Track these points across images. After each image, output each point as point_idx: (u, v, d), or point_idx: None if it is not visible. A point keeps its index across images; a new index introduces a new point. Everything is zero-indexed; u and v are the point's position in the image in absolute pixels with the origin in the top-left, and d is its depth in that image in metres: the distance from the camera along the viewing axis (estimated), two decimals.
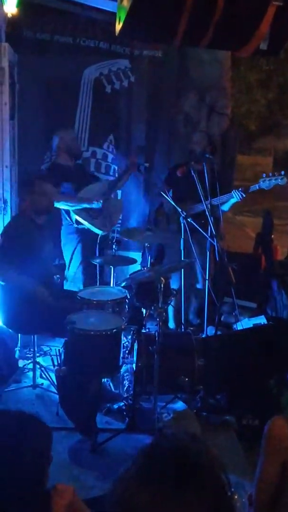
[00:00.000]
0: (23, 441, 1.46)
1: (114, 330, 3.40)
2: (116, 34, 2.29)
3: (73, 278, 4.86)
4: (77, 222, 4.73)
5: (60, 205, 4.58)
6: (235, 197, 4.35)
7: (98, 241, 4.55)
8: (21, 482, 1.41)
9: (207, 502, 0.98)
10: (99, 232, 4.63)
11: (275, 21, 2.14)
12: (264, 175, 4.27)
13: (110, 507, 1.03)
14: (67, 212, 4.75)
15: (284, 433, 1.93)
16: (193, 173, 4.06)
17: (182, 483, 0.98)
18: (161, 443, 1.10)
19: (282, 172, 4.21)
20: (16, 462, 1.41)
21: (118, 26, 2.27)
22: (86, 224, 4.67)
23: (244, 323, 4.52)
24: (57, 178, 4.45)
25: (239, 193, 4.32)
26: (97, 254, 4.51)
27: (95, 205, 4.62)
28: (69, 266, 4.89)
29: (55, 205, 4.20)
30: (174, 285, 4.35)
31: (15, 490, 1.40)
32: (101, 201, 4.62)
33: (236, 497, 1.76)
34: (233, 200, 4.40)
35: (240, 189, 4.38)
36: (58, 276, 4.39)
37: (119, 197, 5.46)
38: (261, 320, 4.67)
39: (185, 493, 0.97)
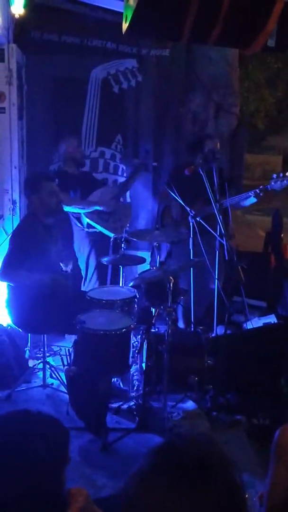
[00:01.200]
0: (42, 443, 1.42)
1: (124, 330, 3.40)
2: (123, 33, 2.29)
3: (89, 282, 4.89)
4: (89, 225, 4.75)
5: (71, 209, 4.59)
6: (254, 198, 4.34)
7: (111, 243, 4.56)
8: (39, 485, 1.38)
9: (221, 503, 0.97)
10: (110, 235, 4.64)
11: (282, 17, 2.13)
12: (274, 175, 4.24)
13: (123, 506, 1.02)
14: (78, 218, 4.77)
15: None
16: (201, 172, 4.04)
17: (196, 483, 0.98)
18: (175, 443, 1.09)
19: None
20: (35, 464, 1.39)
21: (125, 25, 2.27)
22: (98, 227, 4.70)
23: (254, 322, 4.50)
24: (64, 186, 4.46)
25: (254, 193, 4.31)
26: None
27: (106, 208, 4.65)
28: (86, 271, 4.91)
29: (65, 209, 4.22)
30: (183, 284, 4.35)
31: (33, 493, 1.37)
32: (112, 204, 4.65)
33: (246, 496, 1.75)
34: (252, 200, 4.40)
35: (257, 190, 4.36)
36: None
37: (127, 200, 5.47)
38: (272, 319, 4.64)
39: (199, 493, 0.97)
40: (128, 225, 5.21)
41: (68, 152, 4.86)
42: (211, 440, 1.10)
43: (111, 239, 4.58)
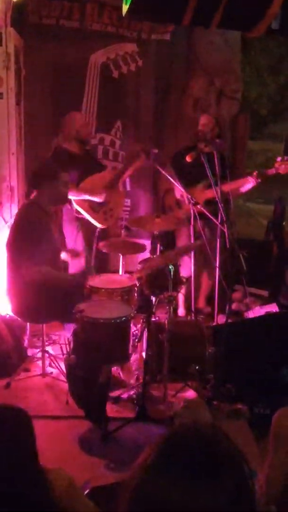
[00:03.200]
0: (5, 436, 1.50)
1: (123, 319, 3.37)
2: (123, 15, 2.23)
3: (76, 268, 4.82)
4: (77, 211, 4.66)
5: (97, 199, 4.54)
6: (251, 182, 4.30)
7: (96, 233, 4.51)
8: (14, 475, 1.44)
9: (229, 492, 0.95)
10: (98, 225, 4.58)
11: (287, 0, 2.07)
12: (279, 158, 4.20)
13: (128, 495, 1.00)
14: (69, 200, 4.68)
15: None
16: (202, 158, 3.99)
17: (203, 472, 0.96)
18: (181, 432, 1.07)
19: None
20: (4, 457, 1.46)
21: (125, 7, 2.21)
22: (86, 216, 4.60)
23: (256, 311, 4.47)
24: (62, 164, 4.20)
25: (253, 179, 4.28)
26: (94, 246, 4.47)
27: (97, 199, 4.55)
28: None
29: None
30: (184, 272, 4.30)
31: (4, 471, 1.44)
32: (104, 195, 4.55)
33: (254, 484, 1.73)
34: (248, 186, 4.35)
35: (254, 174, 4.31)
36: None
37: (128, 187, 5.39)
38: (273, 308, 4.62)
39: (206, 482, 0.95)
40: (128, 208, 5.17)
41: (73, 128, 4.67)
42: (217, 429, 1.07)
43: (97, 229, 4.52)
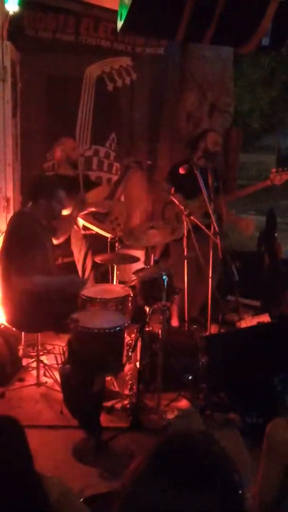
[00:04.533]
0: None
1: (118, 328, 3.40)
2: (118, 31, 2.29)
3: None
4: (84, 227, 4.72)
5: (66, 212, 4.57)
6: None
7: (108, 244, 4.55)
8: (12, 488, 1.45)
9: (219, 500, 0.97)
10: (107, 235, 4.62)
11: (277, 16, 2.14)
12: (274, 170, 4.27)
13: (119, 503, 1.02)
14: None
15: (285, 436, 1.91)
16: (195, 171, 4.05)
17: (194, 480, 0.97)
18: (173, 440, 1.09)
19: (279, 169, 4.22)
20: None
21: (120, 23, 2.27)
22: (94, 228, 4.67)
23: (248, 321, 4.50)
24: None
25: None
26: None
27: (101, 209, 4.62)
28: (83, 272, 4.89)
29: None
30: (178, 283, 4.33)
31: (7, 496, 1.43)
32: (108, 205, 4.62)
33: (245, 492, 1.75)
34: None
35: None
36: None
37: (122, 199, 5.45)
38: (265, 318, 4.65)
39: (198, 492, 0.96)
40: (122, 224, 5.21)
41: (63, 153, 4.82)
42: (209, 438, 1.09)
43: (108, 239, 4.57)
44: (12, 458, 1.49)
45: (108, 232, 4.64)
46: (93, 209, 4.65)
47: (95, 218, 4.67)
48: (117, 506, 1.02)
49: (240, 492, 1.02)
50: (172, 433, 1.16)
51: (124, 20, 2.11)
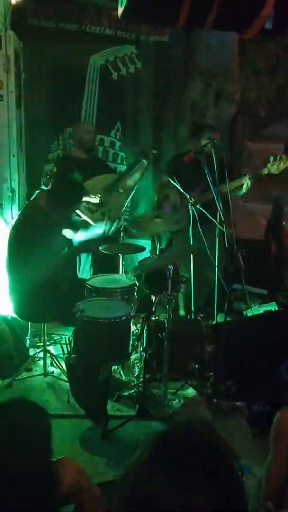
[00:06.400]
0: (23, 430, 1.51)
1: (123, 318, 3.40)
2: (119, 17, 2.27)
3: (82, 269, 4.86)
4: (77, 214, 4.68)
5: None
6: (244, 187, 4.31)
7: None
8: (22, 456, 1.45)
9: (219, 491, 0.97)
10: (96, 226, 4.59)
11: (279, 0, 2.11)
12: (271, 158, 4.22)
13: (121, 492, 1.02)
14: None
15: None
16: (200, 159, 4.02)
17: (194, 471, 0.98)
18: (174, 430, 1.09)
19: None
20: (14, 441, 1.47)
21: (121, 9, 2.25)
22: (83, 217, 4.62)
23: (255, 310, 4.49)
24: (68, 169, 4.38)
25: (247, 179, 4.29)
26: (99, 248, 4.49)
27: (93, 199, 4.57)
28: (79, 258, 4.89)
29: None
30: (184, 272, 4.33)
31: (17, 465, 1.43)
32: (99, 196, 4.55)
33: (244, 479, 1.76)
34: (241, 191, 4.38)
35: (248, 175, 4.33)
36: None
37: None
38: (272, 306, 4.64)
39: (198, 481, 0.97)
40: (128, 208, 5.17)
41: (75, 135, 4.82)
42: (209, 428, 1.09)
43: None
44: (35, 441, 1.50)
45: (95, 223, 4.60)
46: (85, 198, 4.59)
47: (87, 207, 4.61)
48: (121, 495, 1.02)
49: (241, 481, 1.03)
50: (173, 424, 1.16)
51: (125, 6, 2.09)
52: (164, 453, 1.02)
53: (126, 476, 1.02)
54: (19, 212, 4.14)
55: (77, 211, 4.58)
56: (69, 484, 1.56)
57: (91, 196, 4.52)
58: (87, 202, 4.56)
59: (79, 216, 4.61)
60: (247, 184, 4.30)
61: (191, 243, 4.32)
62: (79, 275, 4.81)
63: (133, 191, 4.76)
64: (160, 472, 0.98)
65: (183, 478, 0.96)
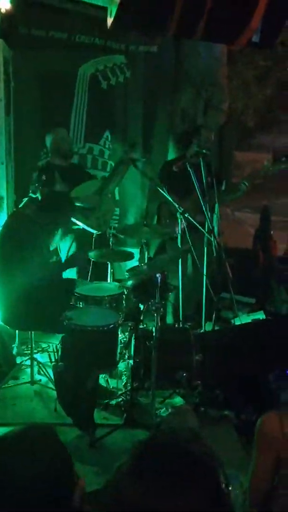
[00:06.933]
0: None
1: (111, 326, 3.41)
2: (109, 27, 2.29)
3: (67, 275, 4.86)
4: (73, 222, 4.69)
5: None
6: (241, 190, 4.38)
7: (93, 240, 4.54)
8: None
9: (203, 498, 0.97)
10: (93, 231, 4.60)
11: (266, 14, 2.14)
12: (266, 161, 4.27)
13: (105, 500, 1.02)
14: None
15: (276, 429, 1.92)
16: (189, 168, 4.05)
17: (177, 478, 0.98)
18: (158, 438, 1.10)
19: (283, 158, 4.23)
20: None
21: (110, 20, 2.27)
22: (80, 224, 4.63)
23: (243, 319, 4.51)
24: (51, 179, 4.36)
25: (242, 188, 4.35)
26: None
27: (86, 205, 4.58)
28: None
29: None
30: (173, 281, 4.34)
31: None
32: (90, 201, 4.58)
33: (230, 488, 1.76)
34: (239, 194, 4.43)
35: (244, 181, 4.38)
36: None
37: (116, 196, 5.43)
38: (260, 315, 4.66)
39: (180, 488, 0.97)
40: (117, 217, 5.20)
41: (53, 143, 4.78)
42: (194, 436, 1.10)
43: (93, 236, 4.55)
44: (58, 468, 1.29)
45: (93, 228, 4.62)
46: (77, 204, 4.60)
47: (81, 213, 4.63)
48: (103, 503, 1.02)
49: (225, 489, 1.02)
50: (158, 432, 1.16)
51: (114, 17, 2.11)
52: (147, 460, 1.02)
53: (111, 483, 1.02)
54: (5, 220, 4.14)
55: (73, 219, 4.60)
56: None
57: (83, 203, 4.54)
58: (81, 209, 4.58)
59: (75, 224, 4.64)
60: (244, 187, 4.36)
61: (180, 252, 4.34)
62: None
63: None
64: (143, 480, 0.98)
65: (166, 485, 0.97)
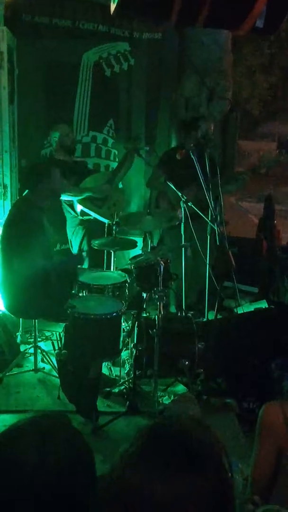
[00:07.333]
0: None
1: (114, 314, 3.42)
2: (111, 13, 2.27)
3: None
4: (82, 213, 4.73)
5: (64, 196, 4.58)
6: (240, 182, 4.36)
7: (106, 229, 4.56)
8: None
9: (206, 485, 0.97)
10: (106, 221, 4.62)
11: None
12: (263, 154, 4.25)
13: (109, 487, 1.03)
14: (71, 205, 4.75)
15: (278, 419, 1.93)
16: (192, 156, 4.04)
17: (181, 465, 0.98)
18: (162, 425, 1.10)
19: (283, 151, 4.21)
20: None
21: (113, 6, 2.25)
22: (92, 213, 4.67)
23: (246, 308, 4.51)
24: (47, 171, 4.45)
25: (242, 178, 4.33)
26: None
27: (99, 194, 4.62)
28: None
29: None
30: (175, 269, 4.34)
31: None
32: (104, 190, 4.62)
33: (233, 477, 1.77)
34: (238, 185, 4.41)
35: (243, 175, 4.36)
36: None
37: (120, 185, 5.45)
38: (263, 304, 4.66)
39: (184, 475, 0.97)
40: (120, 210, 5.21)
41: (59, 140, 4.80)
42: (199, 422, 1.09)
43: (106, 225, 4.57)
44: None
45: (106, 217, 4.64)
46: (89, 194, 4.64)
47: (93, 203, 4.67)
48: (109, 489, 1.02)
49: (229, 476, 1.03)
50: (161, 418, 1.16)
51: (117, 3, 2.09)
52: (152, 446, 1.02)
53: (114, 468, 1.03)
54: (11, 208, 4.15)
55: (85, 210, 4.63)
56: None
57: (95, 193, 4.58)
58: (93, 199, 4.61)
59: (87, 215, 4.67)
60: (244, 179, 4.35)
61: (183, 240, 4.35)
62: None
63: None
64: (146, 465, 0.99)
65: (170, 471, 0.97)
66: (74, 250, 4.92)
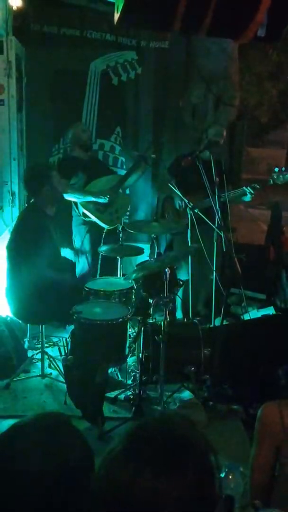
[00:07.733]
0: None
1: (120, 320, 3.43)
2: (115, 23, 2.31)
3: (81, 267, 4.91)
4: (84, 214, 4.75)
5: (67, 197, 4.61)
6: (248, 195, 4.35)
7: (103, 234, 4.58)
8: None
9: (192, 482, 0.99)
10: (104, 226, 4.65)
11: (272, 8, 2.15)
12: (276, 169, 4.24)
13: (96, 483, 1.04)
14: (76, 204, 4.79)
15: (276, 419, 1.94)
16: (198, 164, 4.05)
17: (166, 462, 0.99)
18: (147, 423, 1.11)
19: None
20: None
21: (117, 15, 2.29)
22: (92, 217, 4.69)
23: (253, 314, 4.51)
24: (71, 170, 4.56)
25: (248, 190, 4.33)
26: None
27: (101, 199, 4.64)
28: (78, 255, 4.95)
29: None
30: (183, 276, 4.35)
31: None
32: (108, 196, 4.63)
33: (231, 477, 1.78)
34: (245, 198, 4.41)
35: (249, 186, 4.37)
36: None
37: (127, 191, 5.48)
38: (270, 311, 4.66)
39: (168, 472, 0.98)
40: (127, 212, 5.25)
41: (74, 136, 4.85)
42: (185, 421, 1.11)
43: (105, 230, 4.60)
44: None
45: (105, 223, 4.66)
46: (92, 199, 4.65)
47: (95, 207, 4.69)
48: (97, 485, 1.04)
49: (215, 475, 1.04)
50: (148, 417, 1.16)
51: (120, 12, 2.13)
52: (137, 444, 1.04)
53: (102, 465, 1.05)
54: (19, 215, 4.20)
55: (86, 212, 4.66)
56: None
57: (100, 197, 4.60)
58: (96, 203, 4.64)
59: (88, 217, 4.69)
60: (251, 192, 4.34)
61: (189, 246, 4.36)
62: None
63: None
64: (131, 462, 1.00)
65: (155, 469, 0.98)
66: (77, 243, 4.96)
